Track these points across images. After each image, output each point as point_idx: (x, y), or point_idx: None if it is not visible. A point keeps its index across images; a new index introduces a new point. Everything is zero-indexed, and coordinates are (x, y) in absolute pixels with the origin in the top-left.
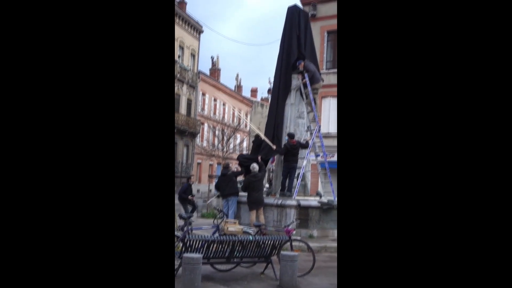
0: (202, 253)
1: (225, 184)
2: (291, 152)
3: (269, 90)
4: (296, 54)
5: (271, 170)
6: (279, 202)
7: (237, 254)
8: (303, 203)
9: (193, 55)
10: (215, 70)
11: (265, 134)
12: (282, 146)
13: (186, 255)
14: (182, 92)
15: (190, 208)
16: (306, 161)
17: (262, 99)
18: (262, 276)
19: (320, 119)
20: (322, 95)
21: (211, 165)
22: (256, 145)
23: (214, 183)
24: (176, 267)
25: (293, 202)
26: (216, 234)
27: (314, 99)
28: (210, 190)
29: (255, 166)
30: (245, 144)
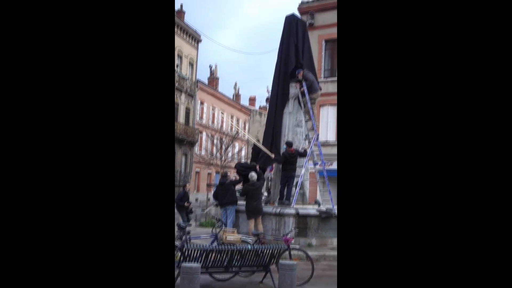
0: (200, 262)
1: (223, 193)
2: (289, 160)
3: (267, 99)
4: (294, 63)
5: (269, 178)
6: (278, 210)
7: (236, 263)
8: (301, 211)
9: (191, 64)
10: (213, 79)
11: (263, 143)
12: (281, 154)
13: (184, 264)
14: (181, 101)
15: (186, 215)
16: (305, 169)
17: (260, 108)
18: (260, 285)
19: (318, 128)
20: (320, 104)
21: (209, 174)
22: (256, 152)
23: (212, 192)
24: (174, 276)
25: (292, 211)
26: (215, 243)
27: (312, 108)
28: (208, 199)
29: (253, 175)
30: (243, 152)
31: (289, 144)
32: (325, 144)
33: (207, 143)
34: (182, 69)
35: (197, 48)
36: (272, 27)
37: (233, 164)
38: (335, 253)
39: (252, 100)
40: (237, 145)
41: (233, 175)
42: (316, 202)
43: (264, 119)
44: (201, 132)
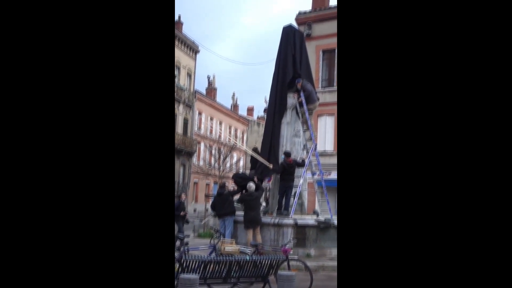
0: (198, 273)
1: (221, 204)
2: (287, 170)
3: (265, 109)
4: (292, 73)
5: (267, 188)
6: (276, 221)
7: (234, 274)
8: (300, 222)
9: (189, 75)
10: (211, 90)
11: (261, 153)
12: (279, 164)
13: (182, 275)
14: (179, 111)
15: (183, 225)
16: (303, 179)
17: (258, 118)
18: None
19: (316, 138)
20: (318, 114)
21: (207, 184)
22: (254, 161)
23: (210, 202)
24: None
25: (290, 221)
26: (213, 254)
27: (309, 119)
28: (206, 210)
29: (251, 185)
30: (241, 163)
31: (288, 154)
32: (323, 154)
33: (205, 154)
34: (180, 79)
35: (195, 59)
36: (270, 38)
37: (231, 175)
38: (334, 263)
39: (250, 111)
40: (235, 155)
41: (231, 185)
42: (315, 212)
43: (262, 129)
44: (199, 143)
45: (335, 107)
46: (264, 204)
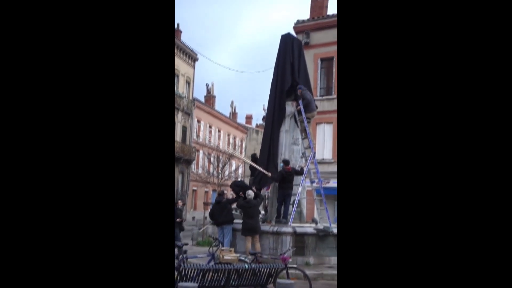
0: (197, 282)
1: (219, 212)
2: (286, 179)
3: (263, 117)
4: (290, 81)
5: (266, 197)
6: (275, 229)
7: (233, 283)
8: (299, 230)
9: (188, 83)
10: (210, 97)
11: (260, 160)
12: (278, 172)
13: (181, 284)
14: (177, 119)
15: (179, 231)
16: (302, 187)
17: (257, 126)
18: None
19: (314, 146)
20: (316, 122)
21: (206, 192)
22: (253, 168)
23: (209, 210)
24: None
25: (289, 229)
26: (212, 263)
27: (308, 127)
28: (205, 217)
29: (250, 193)
30: (240, 171)
31: (286, 162)
32: (322, 162)
33: (204, 161)
34: (179, 87)
35: (193, 67)
36: (268, 46)
37: (230, 182)
38: (333, 272)
39: (248, 118)
40: (234, 163)
41: (230, 193)
42: (314, 221)
43: (260, 137)
44: (198, 150)
45: (334, 115)
46: (262, 212)
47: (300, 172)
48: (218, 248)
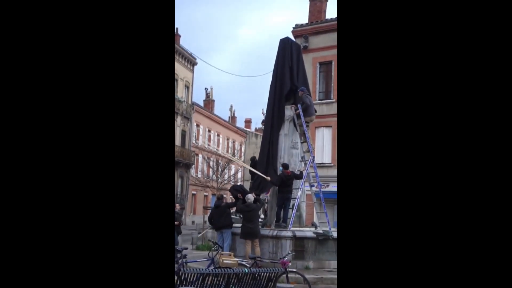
0: (197, 286)
1: (218, 216)
2: (285, 182)
3: (263, 121)
4: (289, 85)
5: (266, 200)
6: (275, 233)
7: (233, 287)
8: (298, 234)
9: (187, 87)
10: (209, 101)
11: (258, 164)
12: (277, 176)
13: None
14: (177, 123)
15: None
16: (301, 191)
17: (256, 130)
18: None
19: (314, 150)
20: (315, 125)
21: (205, 196)
22: (254, 172)
23: (208, 215)
24: None
25: (289, 233)
26: (211, 267)
27: (306, 131)
28: (205, 222)
29: (249, 197)
30: (239, 175)
31: (285, 166)
32: (321, 166)
33: (203, 165)
34: (178, 91)
35: (192, 71)
36: (267, 50)
37: (229, 186)
38: (332, 276)
39: (247, 122)
40: (233, 167)
41: (229, 197)
42: (313, 224)
43: (260, 141)
44: (197, 154)
45: (332, 119)
46: (262, 216)
47: (299, 176)
48: (218, 252)
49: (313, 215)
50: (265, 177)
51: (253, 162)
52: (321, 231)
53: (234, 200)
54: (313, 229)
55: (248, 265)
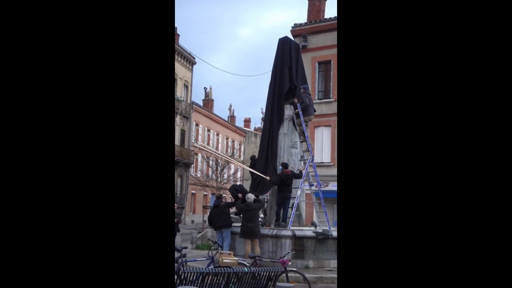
0: (197, 285)
1: (218, 216)
2: (285, 182)
3: (262, 119)
4: (288, 85)
5: (265, 200)
6: (274, 232)
7: (233, 286)
8: (298, 233)
9: (186, 86)
10: (208, 101)
11: (258, 163)
12: (277, 175)
13: (181, 287)
14: (176, 122)
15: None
16: (300, 190)
17: (255, 129)
18: None
19: (313, 149)
20: (314, 125)
21: (205, 196)
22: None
23: (208, 214)
24: None
25: (288, 233)
26: (211, 266)
27: (306, 130)
28: (204, 221)
29: (249, 197)
30: (239, 174)
31: (285, 166)
32: (320, 165)
33: (202, 165)
34: (177, 91)
35: (191, 71)
36: (266, 50)
37: (228, 186)
38: (332, 275)
39: (247, 122)
40: (232, 166)
41: (229, 196)
42: (313, 224)
43: (259, 140)
44: (196, 154)
45: (332, 119)
46: (262, 215)
47: (299, 175)
48: (218, 251)
49: (313, 214)
50: (264, 176)
51: (253, 161)
52: (320, 230)
53: (233, 200)
54: (312, 228)
55: (247, 264)
